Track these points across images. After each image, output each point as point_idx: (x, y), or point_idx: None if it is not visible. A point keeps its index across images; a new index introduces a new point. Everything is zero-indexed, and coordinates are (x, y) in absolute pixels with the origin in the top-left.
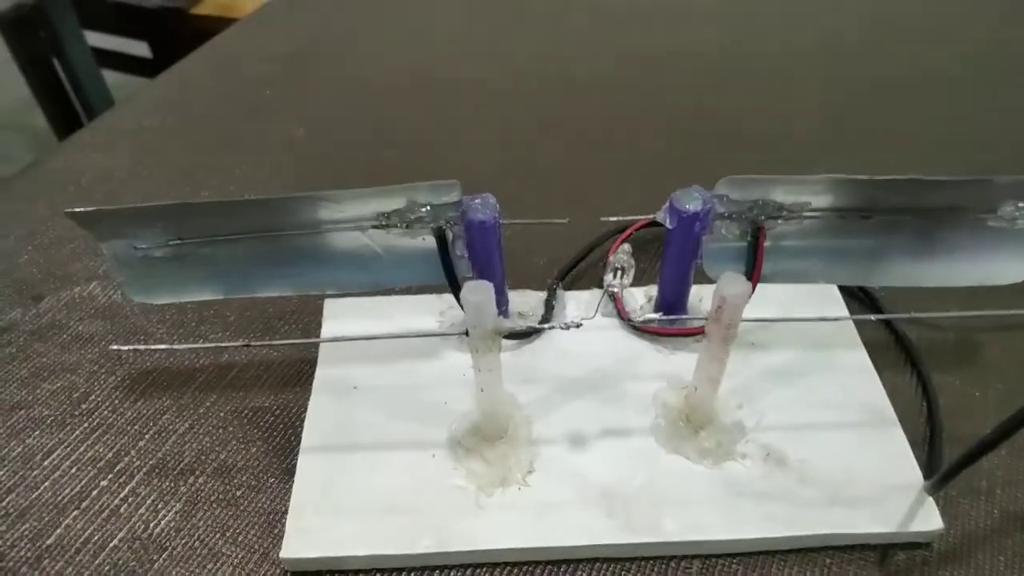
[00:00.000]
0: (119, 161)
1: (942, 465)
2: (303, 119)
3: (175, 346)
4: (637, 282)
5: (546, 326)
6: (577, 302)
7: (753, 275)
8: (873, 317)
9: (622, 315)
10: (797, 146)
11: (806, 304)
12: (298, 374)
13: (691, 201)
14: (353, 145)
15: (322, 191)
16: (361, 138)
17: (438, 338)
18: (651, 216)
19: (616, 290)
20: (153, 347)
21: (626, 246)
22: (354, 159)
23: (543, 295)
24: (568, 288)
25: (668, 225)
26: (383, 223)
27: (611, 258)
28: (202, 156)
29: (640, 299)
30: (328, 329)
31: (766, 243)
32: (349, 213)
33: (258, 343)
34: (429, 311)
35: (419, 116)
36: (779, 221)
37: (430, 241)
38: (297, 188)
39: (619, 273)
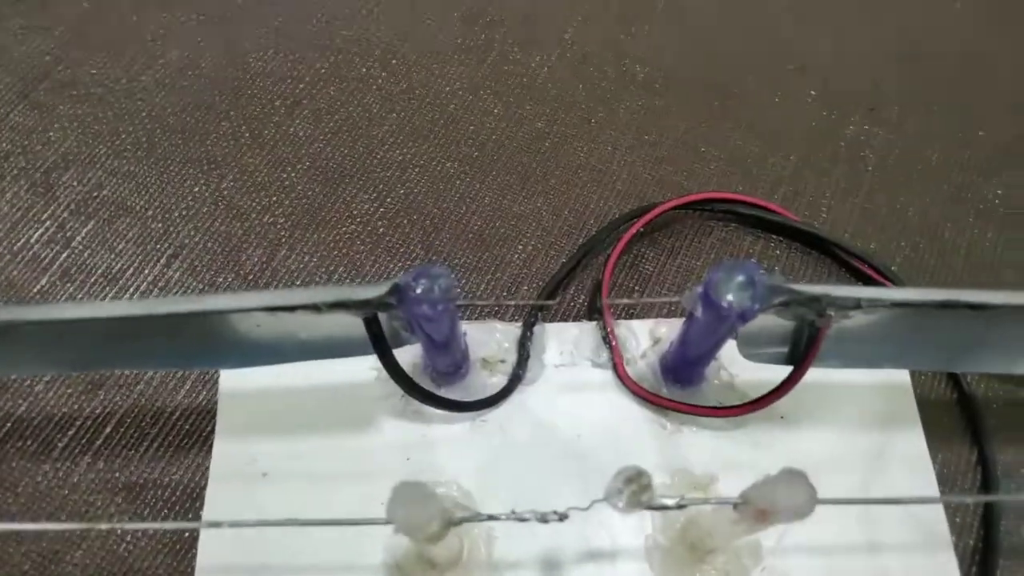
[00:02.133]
0: None
1: None
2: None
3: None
4: (641, 294)
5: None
6: (561, 341)
7: (801, 367)
8: (971, 500)
9: (619, 372)
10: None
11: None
12: (193, 433)
13: (736, 292)
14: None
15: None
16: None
17: (372, 402)
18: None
19: (620, 507)
20: None
21: (647, 477)
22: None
23: (516, 330)
24: (549, 310)
25: (697, 315)
26: (284, 308)
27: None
28: None
29: (643, 339)
30: (228, 382)
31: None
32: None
33: (129, 525)
34: (362, 359)
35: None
36: (853, 312)
37: (356, 320)
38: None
39: (627, 495)
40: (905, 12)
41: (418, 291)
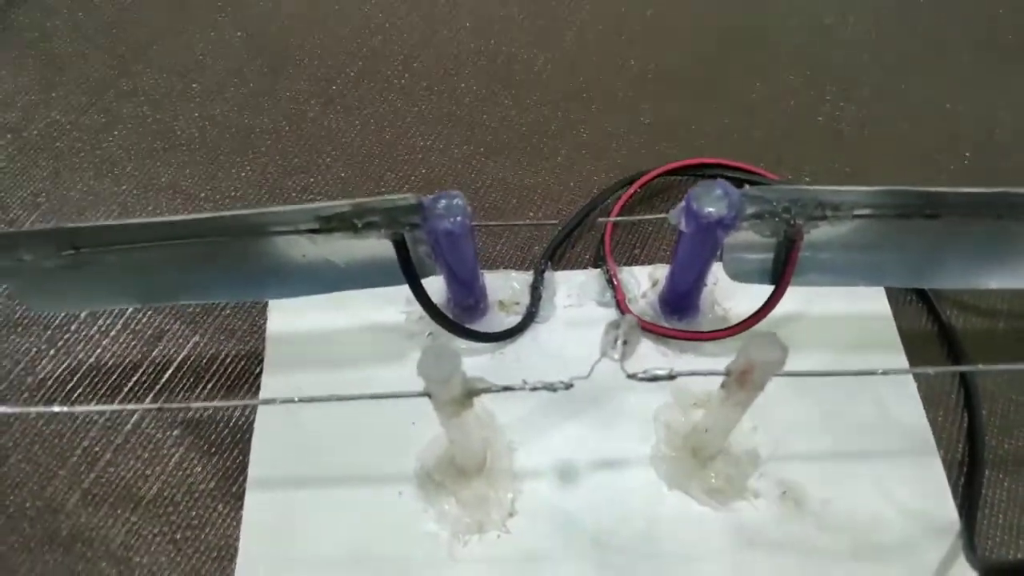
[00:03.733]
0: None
1: (979, 499)
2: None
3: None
4: (640, 254)
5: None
6: (570, 285)
7: (781, 284)
8: (933, 371)
9: (622, 308)
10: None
11: (841, 300)
12: (244, 374)
13: (714, 203)
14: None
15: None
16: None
17: (403, 337)
18: (665, 167)
19: (616, 359)
20: (41, 410)
21: (631, 318)
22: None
23: (528, 277)
24: (560, 261)
25: (683, 228)
26: (325, 227)
27: (613, 321)
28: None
29: (643, 281)
30: (274, 325)
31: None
32: (284, 217)
33: (173, 405)
34: (392, 301)
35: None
36: (822, 223)
37: (387, 244)
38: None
39: (620, 343)
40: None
41: (439, 208)
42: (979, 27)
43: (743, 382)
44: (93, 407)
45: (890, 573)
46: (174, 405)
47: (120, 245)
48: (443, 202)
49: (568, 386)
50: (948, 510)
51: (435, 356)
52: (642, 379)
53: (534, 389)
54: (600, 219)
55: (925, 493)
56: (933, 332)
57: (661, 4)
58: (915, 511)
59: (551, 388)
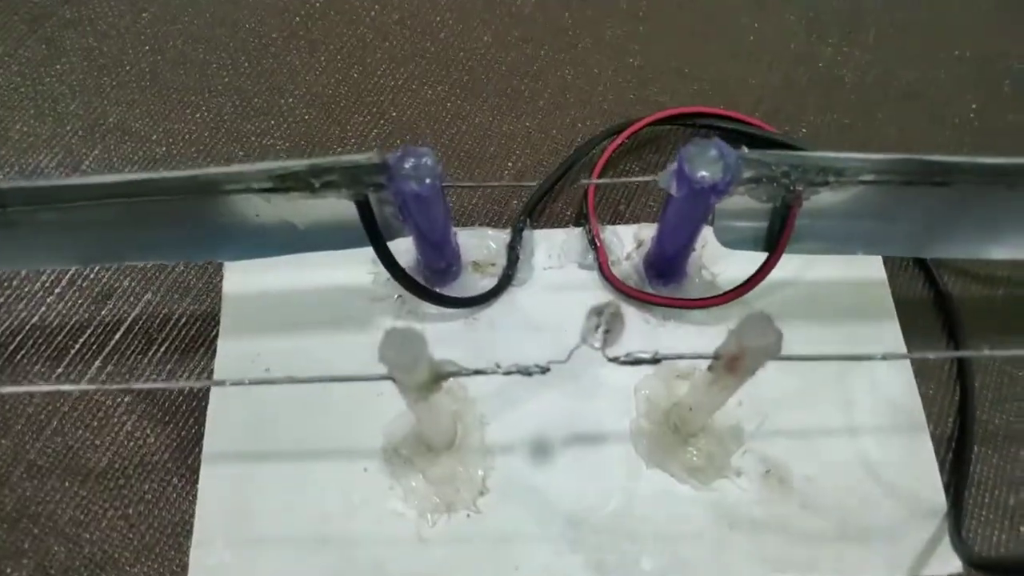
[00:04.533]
0: None
1: (968, 478)
2: None
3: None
4: (626, 210)
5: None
6: (550, 245)
7: (775, 252)
8: (934, 355)
9: (605, 271)
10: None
11: (834, 265)
12: (199, 337)
13: (709, 166)
14: None
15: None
16: None
17: (369, 300)
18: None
19: (597, 347)
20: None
21: (615, 304)
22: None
23: (505, 236)
24: (540, 216)
25: (673, 192)
26: (279, 186)
27: (596, 306)
28: None
29: (627, 242)
30: (231, 285)
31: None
32: (233, 177)
33: (141, 385)
34: (358, 260)
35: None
36: (823, 189)
37: (349, 204)
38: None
39: (601, 331)
40: None
41: (405, 167)
42: None
43: (733, 368)
44: (35, 387)
45: (874, 557)
46: (113, 387)
47: (55, 204)
48: (410, 161)
49: (544, 370)
50: (936, 491)
51: (398, 340)
52: (624, 363)
53: (508, 373)
54: (583, 181)
55: (913, 473)
56: (929, 298)
57: None
58: (902, 491)
59: (526, 372)
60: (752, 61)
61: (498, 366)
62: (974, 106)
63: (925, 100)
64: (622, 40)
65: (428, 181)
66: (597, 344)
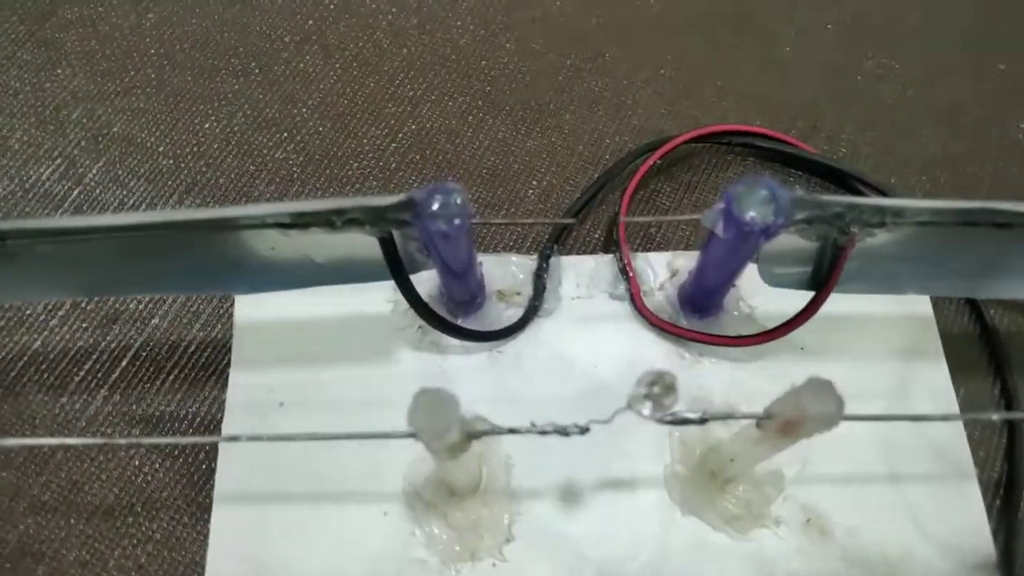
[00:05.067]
0: None
1: (1018, 527)
2: None
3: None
4: (657, 234)
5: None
6: (578, 273)
7: (822, 292)
8: (995, 416)
9: (637, 303)
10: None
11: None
12: (209, 365)
13: (758, 207)
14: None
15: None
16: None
17: (389, 331)
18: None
19: (645, 415)
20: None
21: (670, 377)
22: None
23: (532, 263)
24: (566, 241)
25: (719, 233)
26: (298, 222)
27: (652, 372)
28: None
29: (661, 271)
30: (242, 313)
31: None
32: (250, 217)
33: (149, 440)
34: (376, 288)
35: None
36: (878, 230)
37: (371, 239)
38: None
39: (650, 402)
40: None
41: (434, 207)
42: None
43: (787, 431)
44: (35, 440)
45: None
46: (121, 441)
47: (55, 238)
48: (438, 199)
49: (584, 431)
50: (985, 541)
51: (429, 405)
52: (669, 422)
53: (544, 433)
54: (621, 219)
55: (960, 522)
56: (975, 332)
57: None
58: (949, 542)
59: (563, 432)
60: (788, 74)
61: (533, 424)
62: (1020, 126)
63: (968, 116)
64: (653, 50)
65: (457, 221)
66: (645, 412)
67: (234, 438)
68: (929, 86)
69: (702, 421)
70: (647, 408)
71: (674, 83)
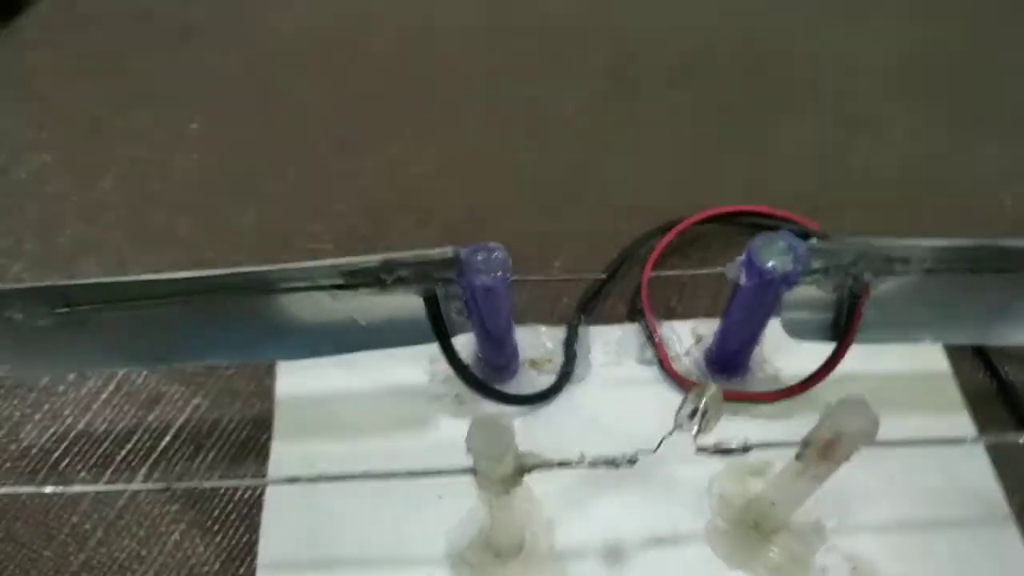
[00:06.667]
0: None
1: None
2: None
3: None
4: (678, 306)
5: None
6: (606, 341)
7: (844, 342)
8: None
9: (666, 367)
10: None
11: (896, 357)
12: (250, 441)
13: (778, 256)
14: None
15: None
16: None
17: (427, 400)
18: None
19: (693, 433)
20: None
21: (715, 387)
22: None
23: (561, 333)
24: (590, 315)
25: (742, 283)
26: (349, 282)
27: (692, 395)
28: None
29: (686, 338)
30: (283, 387)
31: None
32: (304, 273)
33: (183, 484)
34: (414, 359)
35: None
36: (889, 278)
37: (414, 299)
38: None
39: (699, 415)
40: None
41: (477, 261)
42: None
43: (827, 454)
44: (89, 487)
45: None
46: (182, 484)
47: (119, 303)
48: (482, 255)
49: (632, 461)
50: None
51: (487, 429)
52: (714, 453)
53: (593, 465)
54: (652, 273)
55: (1002, 564)
56: (992, 389)
57: (679, 43)
58: None
59: (613, 464)
60: (788, 160)
61: (583, 456)
62: (1008, 203)
63: (964, 195)
64: (663, 142)
65: (500, 274)
66: (694, 430)
67: (280, 481)
68: (921, 166)
69: (745, 450)
70: (695, 425)
71: (683, 171)
